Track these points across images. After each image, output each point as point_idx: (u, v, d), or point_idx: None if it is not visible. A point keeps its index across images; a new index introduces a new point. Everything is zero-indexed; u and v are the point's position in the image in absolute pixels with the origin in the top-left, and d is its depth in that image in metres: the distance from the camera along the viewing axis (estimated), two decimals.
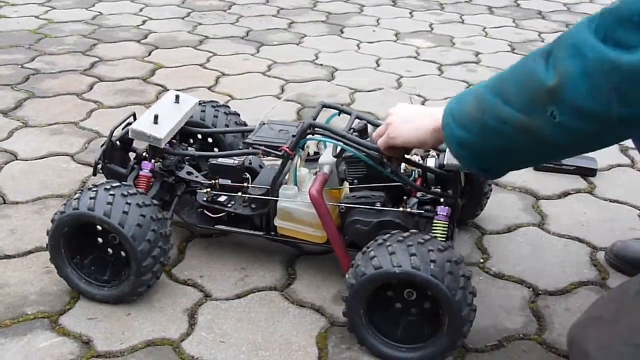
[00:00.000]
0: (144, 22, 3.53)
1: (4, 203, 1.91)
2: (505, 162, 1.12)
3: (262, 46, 3.22)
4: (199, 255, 1.71)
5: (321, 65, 3.01)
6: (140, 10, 3.72)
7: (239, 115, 1.88)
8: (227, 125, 1.82)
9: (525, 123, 0.97)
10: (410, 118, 1.31)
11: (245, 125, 1.87)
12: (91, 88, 2.70)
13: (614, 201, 2.00)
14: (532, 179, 2.10)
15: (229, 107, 1.87)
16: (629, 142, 2.29)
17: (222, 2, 3.91)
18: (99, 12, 3.67)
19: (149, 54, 3.08)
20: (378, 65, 3.02)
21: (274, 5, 3.88)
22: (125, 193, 1.45)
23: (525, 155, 1.06)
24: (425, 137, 1.28)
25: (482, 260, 1.72)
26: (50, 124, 2.39)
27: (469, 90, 1.13)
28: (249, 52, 3.14)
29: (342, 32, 3.46)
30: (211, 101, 1.86)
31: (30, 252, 1.70)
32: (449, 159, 1.42)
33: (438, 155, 1.53)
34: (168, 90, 2.67)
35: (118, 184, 1.48)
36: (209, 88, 2.73)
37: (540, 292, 1.61)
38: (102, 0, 3.85)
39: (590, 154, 2.14)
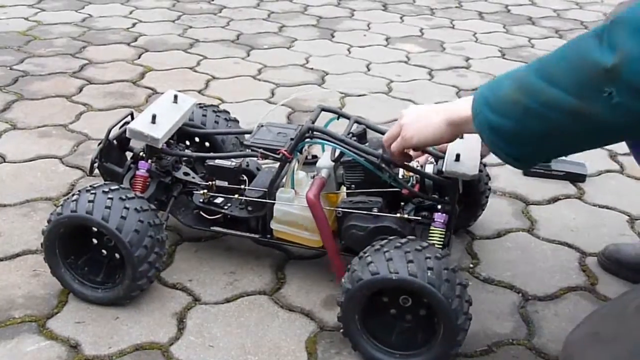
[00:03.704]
0: (134, 24, 3.52)
1: None
2: (543, 149, 1.05)
3: (253, 50, 3.22)
4: (188, 259, 1.70)
5: (312, 69, 3.01)
6: (131, 12, 3.71)
7: (238, 122, 1.87)
8: None
9: (576, 106, 0.93)
10: (423, 115, 1.26)
11: None
12: (80, 90, 2.69)
13: (603, 207, 2.01)
14: (521, 184, 2.11)
15: (228, 112, 1.87)
16: (617, 148, 2.31)
17: (212, 5, 3.91)
18: (89, 14, 3.65)
19: (139, 57, 3.07)
20: (369, 70, 3.02)
21: (264, 9, 3.88)
22: (124, 197, 1.44)
23: (569, 141, 1.00)
24: (442, 133, 1.22)
25: (472, 266, 1.72)
26: (39, 127, 2.37)
27: (505, 75, 1.06)
28: (240, 56, 3.13)
29: (333, 37, 3.46)
30: (212, 105, 1.86)
31: (17, 255, 1.69)
32: (448, 165, 1.43)
33: (436, 162, 1.53)
34: (158, 93, 2.67)
35: (116, 186, 1.47)
36: (199, 91, 2.72)
37: (530, 298, 1.61)
38: (92, 3, 3.84)
39: (580, 160, 2.15)
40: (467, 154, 1.46)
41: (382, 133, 1.60)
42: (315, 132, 1.51)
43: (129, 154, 1.71)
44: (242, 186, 1.62)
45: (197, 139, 1.84)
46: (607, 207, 2.00)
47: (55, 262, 1.50)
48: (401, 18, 3.82)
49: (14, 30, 3.34)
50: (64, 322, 1.47)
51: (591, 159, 2.26)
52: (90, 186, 1.47)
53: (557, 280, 1.68)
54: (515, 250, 1.79)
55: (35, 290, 1.57)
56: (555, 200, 2.03)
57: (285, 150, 1.49)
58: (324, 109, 1.62)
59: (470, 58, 3.21)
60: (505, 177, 2.14)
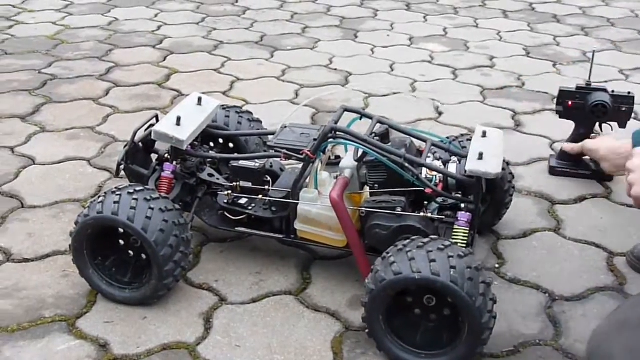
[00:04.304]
0: (159, 27, 3.56)
1: (22, 207, 1.93)
2: None
3: (277, 51, 3.23)
4: (215, 259, 1.72)
5: (335, 70, 3.01)
6: (156, 15, 3.75)
7: (261, 122, 1.89)
8: None
9: None
10: None
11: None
12: (107, 93, 2.73)
13: (631, 206, 1.97)
14: (547, 183, 2.09)
15: (252, 113, 1.88)
16: None
17: (236, 7, 3.93)
18: (115, 17, 3.70)
19: (164, 59, 3.10)
20: (392, 70, 3.02)
21: (288, 10, 3.89)
22: (149, 197, 1.46)
23: None
24: None
25: (497, 266, 1.71)
26: (67, 129, 2.41)
27: None
28: (264, 57, 3.15)
29: (356, 37, 3.46)
30: (234, 106, 1.88)
31: (47, 255, 1.72)
32: (471, 164, 1.42)
33: (460, 161, 1.53)
34: (183, 95, 2.69)
35: (141, 187, 1.50)
36: (223, 93, 2.75)
37: (557, 298, 1.60)
38: (118, 6, 3.88)
39: None
40: (490, 153, 1.46)
41: (405, 133, 1.61)
42: (338, 133, 1.51)
43: (154, 156, 1.73)
44: (266, 187, 1.63)
45: (221, 140, 1.86)
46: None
47: (83, 263, 1.53)
48: (425, 17, 3.81)
49: (42, 35, 3.39)
50: (93, 322, 1.50)
51: None
52: (116, 188, 1.50)
53: (585, 280, 1.66)
54: (541, 250, 1.78)
55: (64, 291, 1.59)
56: (582, 199, 2.01)
57: (308, 151, 1.50)
58: (346, 110, 1.63)
59: (494, 57, 3.19)
60: (531, 176, 2.13)
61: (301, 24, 3.64)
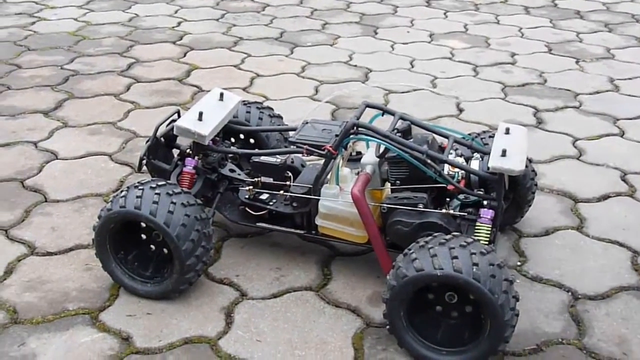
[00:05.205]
0: (179, 23, 3.57)
1: (46, 201, 1.95)
2: None
3: (296, 47, 3.23)
4: (235, 254, 1.72)
5: (355, 66, 3.00)
6: (176, 12, 3.76)
7: (282, 118, 1.89)
8: None
9: None
10: None
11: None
12: (128, 89, 2.74)
13: None
14: (570, 181, 2.07)
15: (272, 109, 1.89)
16: None
17: (256, 3, 3.93)
18: (136, 14, 3.72)
19: (185, 55, 3.11)
20: (412, 67, 3.01)
21: (307, 6, 3.89)
22: (171, 192, 1.47)
23: None
24: None
25: (519, 263, 1.70)
26: (89, 124, 2.43)
27: None
28: (283, 53, 3.15)
29: (376, 33, 3.45)
30: (256, 102, 1.88)
31: (70, 249, 1.74)
32: (494, 161, 1.41)
33: (482, 158, 1.52)
34: (203, 91, 2.70)
35: (164, 182, 1.50)
36: (243, 89, 2.75)
37: (580, 297, 1.58)
38: (139, 3, 3.90)
39: (629, 158, 2.09)
40: (513, 150, 1.45)
41: (427, 129, 1.60)
42: (360, 129, 1.51)
43: (176, 151, 1.74)
44: (287, 182, 1.63)
45: (242, 136, 1.87)
46: None
47: (106, 257, 1.54)
48: (445, 14, 3.79)
49: (64, 31, 3.42)
50: (116, 315, 1.51)
51: None
52: (138, 182, 1.51)
53: (608, 279, 1.64)
54: (564, 248, 1.76)
55: (87, 284, 1.61)
56: (605, 197, 1.99)
57: (330, 147, 1.50)
58: (368, 106, 1.62)
59: (515, 54, 3.16)
60: (553, 174, 2.11)
61: (321, 20, 3.64)
